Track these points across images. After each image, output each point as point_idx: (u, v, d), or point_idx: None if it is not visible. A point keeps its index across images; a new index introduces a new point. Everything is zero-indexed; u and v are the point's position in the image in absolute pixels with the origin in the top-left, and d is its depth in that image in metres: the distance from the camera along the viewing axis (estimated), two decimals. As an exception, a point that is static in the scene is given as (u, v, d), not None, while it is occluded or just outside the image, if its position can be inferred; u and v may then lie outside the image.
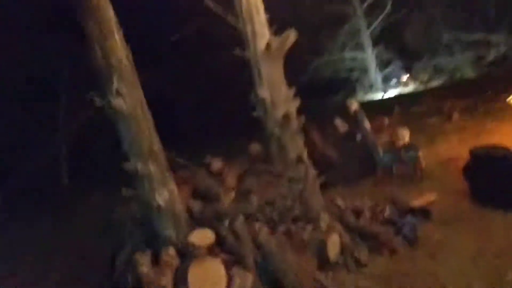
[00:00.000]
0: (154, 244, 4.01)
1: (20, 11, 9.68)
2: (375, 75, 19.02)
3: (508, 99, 9.19)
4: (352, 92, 18.78)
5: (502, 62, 17.62)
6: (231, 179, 4.78)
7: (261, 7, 5.01)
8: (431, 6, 18.90)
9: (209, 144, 5.16)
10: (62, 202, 9.64)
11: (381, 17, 18.25)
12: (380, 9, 18.12)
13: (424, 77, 18.46)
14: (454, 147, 7.73)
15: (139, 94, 3.89)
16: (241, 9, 4.96)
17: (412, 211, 5.02)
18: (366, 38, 19.03)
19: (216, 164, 4.87)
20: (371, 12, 18.48)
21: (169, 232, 3.98)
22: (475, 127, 8.47)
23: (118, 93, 3.73)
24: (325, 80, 19.07)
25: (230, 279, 3.42)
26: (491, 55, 18.39)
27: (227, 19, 5.01)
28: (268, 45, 4.88)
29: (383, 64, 19.19)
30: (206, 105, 9.99)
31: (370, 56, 19.03)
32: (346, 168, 6.89)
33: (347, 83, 19.40)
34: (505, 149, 5.08)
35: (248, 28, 4.94)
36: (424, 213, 5.02)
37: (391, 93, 17.68)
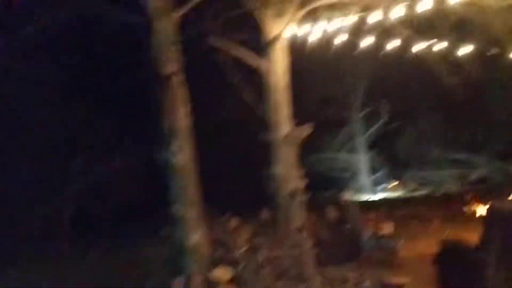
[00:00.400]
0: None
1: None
2: (365, 177, 20.37)
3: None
4: (343, 190, 19.98)
5: (482, 182, 19.06)
6: (244, 236, 5.79)
7: (285, 103, 6.37)
8: (423, 122, 20.78)
9: (231, 207, 6.24)
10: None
11: (376, 126, 19.95)
12: (377, 118, 19.91)
13: (411, 186, 19.85)
14: (432, 245, 8.77)
15: (191, 153, 5.05)
16: (270, 103, 6.31)
17: (387, 286, 6.02)
18: (361, 143, 20.64)
19: (234, 222, 5.91)
20: (368, 119, 20.26)
21: (194, 268, 4.94)
22: (453, 232, 9.58)
23: (176, 152, 4.89)
24: (319, 175, 20.34)
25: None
26: (474, 175, 19.99)
27: (258, 109, 6.32)
28: (288, 133, 6.17)
29: (374, 169, 20.68)
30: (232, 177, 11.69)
31: (363, 159, 20.52)
32: (336, 249, 7.88)
33: (339, 182, 20.63)
34: (468, 243, 6.21)
35: (274, 118, 6.25)
36: (398, 289, 6.02)
37: (379, 196, 18.90)
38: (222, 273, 4.73)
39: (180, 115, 4.99)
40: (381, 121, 19.75)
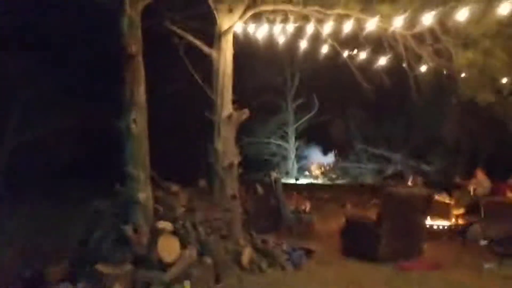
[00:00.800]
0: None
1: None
2: (292, 163, 21.82)
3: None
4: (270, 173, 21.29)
5: (397, 177, 21.02)
6: (183, 199, 6.71)
7: (229, 88, 7.31)
8: (350, 117, 22.46)
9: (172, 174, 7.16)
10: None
11: (307, 117, 21.37)
12: (308, 110, 21.34)
13: (333, 175, 21.57)
14: (341, 223, 10.17)
15: (145, 123, 5.89)
16: (217, 87, 7.23)
17: (300, 249, 7.22)
18: (291, 131, 22.04)
19: (174, 187, 6.81)
20: (300, 110, 21.64)
21: (140, 221, 5.81)
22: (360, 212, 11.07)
23: (134, 121, 5.72)
24: (250, 157, 21.51)
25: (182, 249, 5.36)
26: (389, 170, 22.00)
27: (206, 90, 7.21)
28: (230, 115, 7.14)
29: (300, 156, 22.20)
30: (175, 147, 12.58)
31: (291, 147, 21.94)
32: (261, 220, 9.01)
33: (268, 165, 21.93)
34: (367, 219, 7.56)
35: (219, 101, 7.19)
36: (308, 252, 7.23)
37: (303, 181, 20.39)
38: (165, 225, 5.65)
39: (140, 90, 5.80)
40: (312, 113, 21.19)
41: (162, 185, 6.78)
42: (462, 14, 4.54)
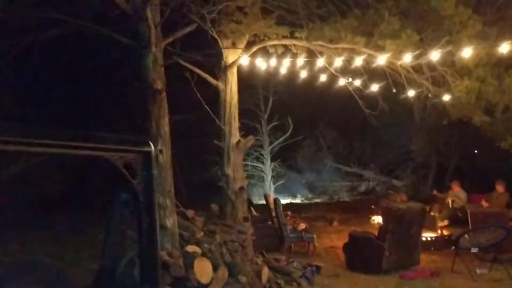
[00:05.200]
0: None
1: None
2: (269, 184, 22.31)
3: (371, 219, 12.61)
4: (248, 195, 21.73)
5: (370, 193, 21.88)
6: (199, 223, 7.08)
7: (236, 116, 7.79)
8: (321, 137, 23.28)
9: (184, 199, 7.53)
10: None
11: (281, 138, 21.97)
12: (282, 132, 21.96)
13: (310, 194, 22.24)
14: (334, 240, 10.70)
15: (170, 155, 6.27)
16: (224, 116, 7.69)
17: (310, 266, 7.68)
18: (266, 153, 22.57)
19: (190, 212, 7.16)
20: (274, 132, 22.24)
21: (168, 245, 6.14)
22: (348, 230, 11.62)
23: (161, 152, 6.09)
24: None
25: (214, 271, 5.74)
26: (362, 187, 22.87)
27: (215, 119, 7.65)
28: (238, 142, 7.60)
29: (277, 177, 22.74)
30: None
31: (267, 168, 22.45)
32: (263, 241, 9.41)
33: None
34: (370, 234, 8.12)
35: (227, 129, 7.65)
36: (317, 268, 7.70)
37: (282, 201, 20.84)
38: (195, 249, 6.01)
39: (164, 123, 6.20)
40: (285, 135, 21.81)
41: (178, 211, 7.13)
42: (465, 52, 5.24)
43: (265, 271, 6.78)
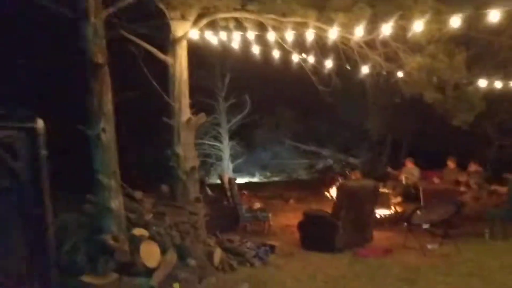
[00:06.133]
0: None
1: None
2: (227, 163, 22.10)
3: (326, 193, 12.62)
4: (207, 174, 21.49)
5: (327, 170, 22.05)
6: (148, 205, 6.79)
7: (187, 93, 7.48)
8: (280, 115, 23.17)
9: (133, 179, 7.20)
10: None
11: (239, 117, 21.72)
12: (240, 110, 21.70)
13: (268, 172, 22.19)
14: (290, 219, 10.63)
15: (113, 133, 5.93)
16: (174, 92, 7.37)
17: (264, 245, 7.56)
18: (224, 131, 22.29)
19: (138, 194, 6.86)
20: (232, 110, 21.95)
21: (114, 229, 5.85)
22: (304, 208, 11.60)
23: (104, 130, 5.74)
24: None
25: (163, 254, 5.50)
26: (320, 164, 23.01)
27: (164, 96, 7.32)
28: (188, 120, 7.31)
29: (236, 156, 22.54)
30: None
31: (225, 147, 22.20)
32: (215, 221, 9.23)
33: (203, 166, 22.07)
34: (324, 212, 8.06)
35: (177, 106, 7.33)
36: (271, 248, 7.58)
37: (240, 180, 20.75)
38: (142, 232, 5.75)
39: (107, 100, 5.83)
40: (244, 113, 21.57)
41: (125, 192, 6.82)
42: (417, 25, 5.12)
43: (218, 253, 6.61)
